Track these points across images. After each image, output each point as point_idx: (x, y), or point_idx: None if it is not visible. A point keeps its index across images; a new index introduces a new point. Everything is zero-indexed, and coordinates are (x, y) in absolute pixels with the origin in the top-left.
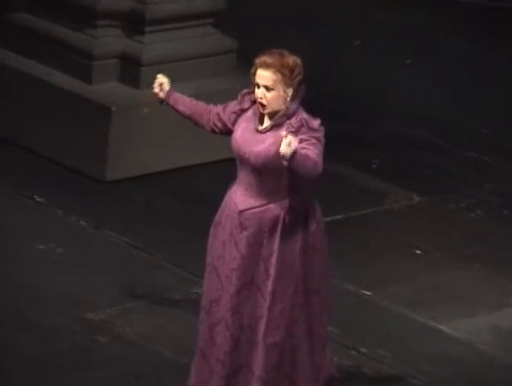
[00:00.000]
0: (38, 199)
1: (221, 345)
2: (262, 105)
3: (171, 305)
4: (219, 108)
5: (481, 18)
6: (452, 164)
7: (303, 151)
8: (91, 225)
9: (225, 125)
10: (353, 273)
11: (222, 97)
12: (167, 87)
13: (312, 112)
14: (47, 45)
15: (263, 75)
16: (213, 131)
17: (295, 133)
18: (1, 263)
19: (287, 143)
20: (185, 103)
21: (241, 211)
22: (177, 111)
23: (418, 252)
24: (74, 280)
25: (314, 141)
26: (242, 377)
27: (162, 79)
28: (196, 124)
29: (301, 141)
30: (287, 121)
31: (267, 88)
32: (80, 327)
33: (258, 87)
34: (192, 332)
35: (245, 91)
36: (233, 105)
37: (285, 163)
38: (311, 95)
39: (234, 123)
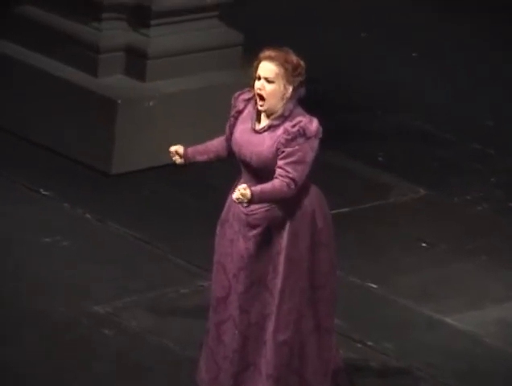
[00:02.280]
0: (44, 192)
1: (229, 343)
2: (261, 98)
3: (177, 298)
4: (226, 133)
5: (486, 10)
6: (458, 157)
7: (269, 187)
8: (97, 218)
9: None
10: (359, 265)
11: (228, 90)
12: (181, 150)
13: (319, 105)
14: (52, 38)
15: (266, 67)
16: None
17: (291, 141)
18: (7, 256)
19: (242, 194)
20: (201, 151)
21: (248, 212)
22: (199, 162)
23: (423, 244)
24: (80, 273)
25: (299, 157)
26: (250, 375)
27: (173, 148)
28: (223, 158)
29: (287, 157)
30: (285, 125)
31: (268, 81)
32: (86, 320)
33: (259, 79)
34: (198, 325)
35: (238, 93)
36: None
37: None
38: (317, 88)
39: (234, 126)
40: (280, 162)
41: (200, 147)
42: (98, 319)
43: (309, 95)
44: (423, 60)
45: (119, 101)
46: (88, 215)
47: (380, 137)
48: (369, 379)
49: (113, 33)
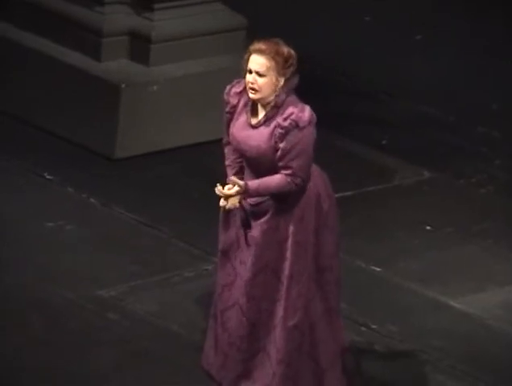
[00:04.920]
0: (48, 177)
1: (234, 330)
2: (253, 90)
3: (182, 282)
4: (227, 133)
5: None
6: (463, 140)
7: (272, 183)
8: (101, 203)
9: None
10: (363, 249)
11: (232, 75)
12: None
13: (323, 89)
14: (56, 22)
15: (257, 61)
16: None
17: (285, 135)
18: (11, 240)
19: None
20: (238, 171)
21: (253, 202)
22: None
23: (428, 228)
24: (84, 257)
25: (298, 151)
26: (259, 361)
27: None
28: None
29: (284, 154)
30: (277, 119)
31: (259, 74)
32: (91, 304)
33: (250, 72)
34: (203, 309)
35: (228, 87)
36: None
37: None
38: (322, 72)
39: (231, 122)
40: (281, 163)
41: (233, 171)
42: (102, 304)
43: (313, 79)
44: (426, 43)
45: (123, 86)
46: (92, 200)
47: (384, 120)
48: (374, 362)
49: (117, 17)
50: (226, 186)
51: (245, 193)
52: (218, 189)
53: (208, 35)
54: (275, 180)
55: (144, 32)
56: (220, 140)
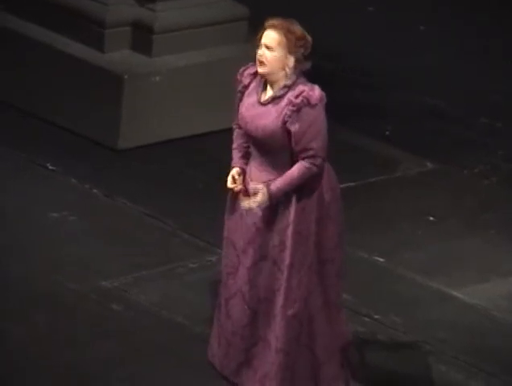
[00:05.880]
0: (51, 168)
1: (237, 318)
2: (261, 64)
3: (185, 273)
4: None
5: None
6: (466, 131)
7: (293, 176)
8: (104, 193)
9: None
10: (367, 240)
11: (234, 65)
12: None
13: (328, 81)
14: (59, 13)
15: (268, 35)
16: None
17: (297, 112)
18: (14, 230)
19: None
20: (244, 155)
21: (256, 190)
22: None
23: (431, 218)
24: (87, 248)
25: (315, 130)
26: (260, 350)
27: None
28: None
29: (301, 136)
30: (288, 96)
31: (268, 48)
32: (94, 295)
33: (262, 47)
34: (207, 300)
35: (242, 68)
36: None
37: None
38: (325, 63)
39: (241, 101)
40: (299, 147)
41: (239, 154)
42: (106, 294)
43: (316, 71)
44: (430, 34)
45: (126, 76)
46: (95, 191)
47: (387, 112)
48: (377, 353)
49: (120, 8)
50: (248, 191)
51: (270, 199)
52: (244, 201)
53: (210, 26)
54: (295, 172)
55: (147, 23)
56: (224, 130)
